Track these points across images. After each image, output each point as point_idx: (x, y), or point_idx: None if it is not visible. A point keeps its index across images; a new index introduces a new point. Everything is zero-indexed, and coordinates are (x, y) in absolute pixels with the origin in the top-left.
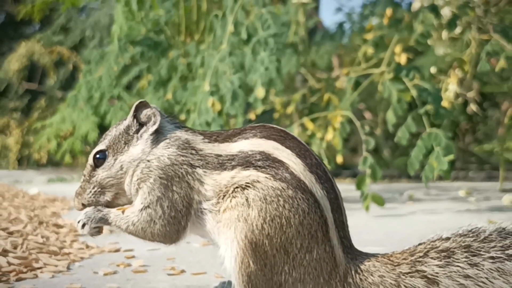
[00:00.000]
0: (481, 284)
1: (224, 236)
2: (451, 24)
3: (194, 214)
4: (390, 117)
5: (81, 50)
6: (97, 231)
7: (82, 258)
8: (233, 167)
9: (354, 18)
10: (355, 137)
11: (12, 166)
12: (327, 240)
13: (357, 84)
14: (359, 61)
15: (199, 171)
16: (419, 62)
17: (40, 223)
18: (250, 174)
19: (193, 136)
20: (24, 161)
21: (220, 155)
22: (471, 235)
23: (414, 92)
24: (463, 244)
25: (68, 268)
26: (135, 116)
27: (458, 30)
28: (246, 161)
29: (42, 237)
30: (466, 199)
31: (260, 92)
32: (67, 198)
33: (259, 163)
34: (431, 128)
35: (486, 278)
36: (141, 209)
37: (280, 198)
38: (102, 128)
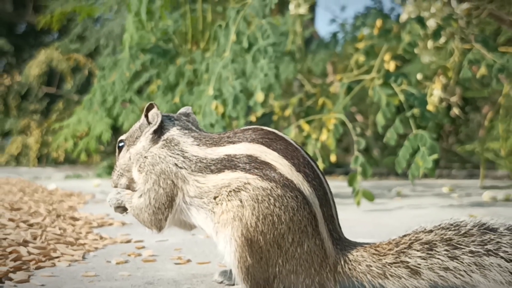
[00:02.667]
0: (459, 276)
1: (223, 235)
2: (436, 34)
3: (176, 208)
4: (380, 119)
5: (96, 57)
6: (123, 209)
7: (96, 248)
8: (220, 170)
9: (347, 28)
10: (347, 138)
11: (32, 164)
12: (317, 234)
13: (349, 89)
14: (351, 68)
15: (183, 171)
16: (406, 69)
17: (58, 216)
18: (239, 176)
19: (185, 138)
20: (43, 159)
21: (205, 158)
22: (452, 228)
23: (401, 97)
24: (444, 237)
25: (84, 258)
26: (146, 115)
27: (442, 40)
28: (233, 164)
29: (60, 229)
30: (449, 195)
31: (260, 96)
32: (83, 193)
33: (246, 166)
34: (417, 129)
35: (465, 271)
36: (138, 197)
37: (270, 197)
38: (115, 129)
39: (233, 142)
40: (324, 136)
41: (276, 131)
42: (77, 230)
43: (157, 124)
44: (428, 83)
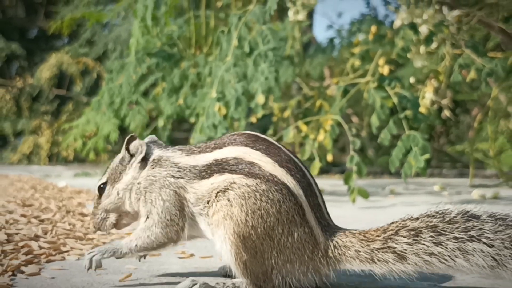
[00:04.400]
0: (444, 261)
1: (217, 235)
2: (428, 40)
3: (187, 217)
4: (374, 121)
5: (104, 61)
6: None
7: (104, 243)
8: (210, 175)
9: (343, 34)
10: (344, 138)
11: (43, 162)
12: (305, 223)
13: (345, 92)
14: (347, 71)
15: (181, 181)
16: (400, 73)
17: (68, 212)
18: (226, 177)
19: (172, 153)
20: (53, 158)
21: (197, 165)
22: (438, 216)
23: (395, 99)
24: (430, 224)
25: None
26: (127, 148)
27: (434, 45)
28: (221, 168)
29: (69, 224)
30: (440, 193)
31: (260, 98)
32: (91, 190)
33: (233, 167)
34: (410, 130)
35: (449, 256)
36: (143, 222)
37: (256, 193)
38: (122, 129)
39: (220, 147)
40: (321, 136)
41: (258, 134)
42: (86, 226)
43: (143, 152)
44: (420, 86)
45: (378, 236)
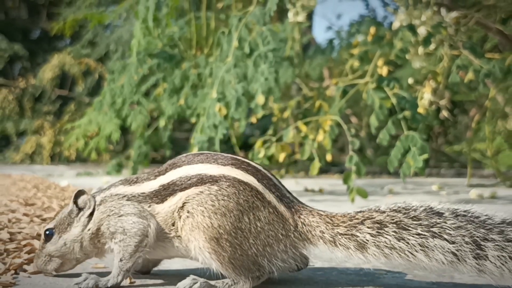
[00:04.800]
0: (403, 256)
1: (193, 249)
2: (426, 41)
3: (155, 239)
4: (373, 121)
5: (105, 62)
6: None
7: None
8: (164, 200)
9: (343, 35)
10: (343, 138)
11: (46, 162)
12: (267, 203)
13: (344, 92)
14: (347, 72)
15: (135, 203)
16: (398, 74)
17: None
18: (180, 196)
19: (114, 189)
20: (56, 158)
21: (144, 192)
22: (403, 211)
23: (394, 100)
24: (394, 219)
25: None
26: (75, 202)
27: (432, 46)
28: (171, 190)
29: None
30: (438, 192)
31: (260, 99)
32: (93, 189)
33: (182, 185)
34: (408, 131)
35: (409, 251)
36: (117, 253)
37: (210, 195)
38: (124, 129)
39: (163, 174)
40: (320, 136)
41: (200, 152)
42: None
43: (91, 207)
44: (419, 87)
45: (343, 222)
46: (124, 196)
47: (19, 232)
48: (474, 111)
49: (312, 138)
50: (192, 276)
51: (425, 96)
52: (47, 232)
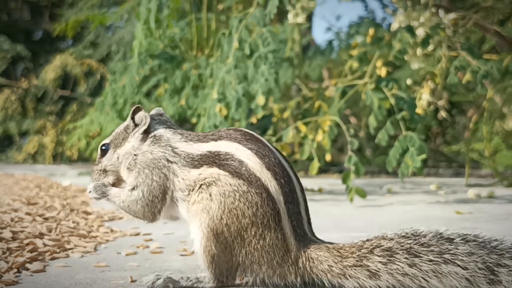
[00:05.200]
0: (417, 282)
1: (193, 224)
2: (425, 42)
3: (169, 201)
4: (372, 121)
5: (107, 62)
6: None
7: (107, 241)
8: (201, 165)
9: (342, 36)
10: (342, 138)
11: (48, 162)
12: (279, 229)
13: (343, 93)
14: (346, 73)
15: (174, 166)
16: (397, 74)
17: (72, 210)
18: (213, 172)
19: (172, 135)
20: (58, 157)
21: (192, 154)
22: (412, 238)
23: (392, 100)
24: (404, 246)
25: (95, 249)
26: (132, 118)
27: (430, 47)
28: (212, 160)
29: (73, 222)
30: (436, 192)
31: (260, 99)
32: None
33: (223, 162)
34: (407, 131)
35: (422, 277)
36: (129, 190)
37: (236, 193)
38: None
39: (215, 140)
40: (320, 136)
41: (253, 133)
42: (90, 224)
43: (147, 124)
44: (417, 87)
45: (352, 253)
46: (174, 154)
47: (22, 231)
48: (472, 112)
49: (311, 138)
50: (155, 273)
51: (424, 97)
52: (103, 148)
